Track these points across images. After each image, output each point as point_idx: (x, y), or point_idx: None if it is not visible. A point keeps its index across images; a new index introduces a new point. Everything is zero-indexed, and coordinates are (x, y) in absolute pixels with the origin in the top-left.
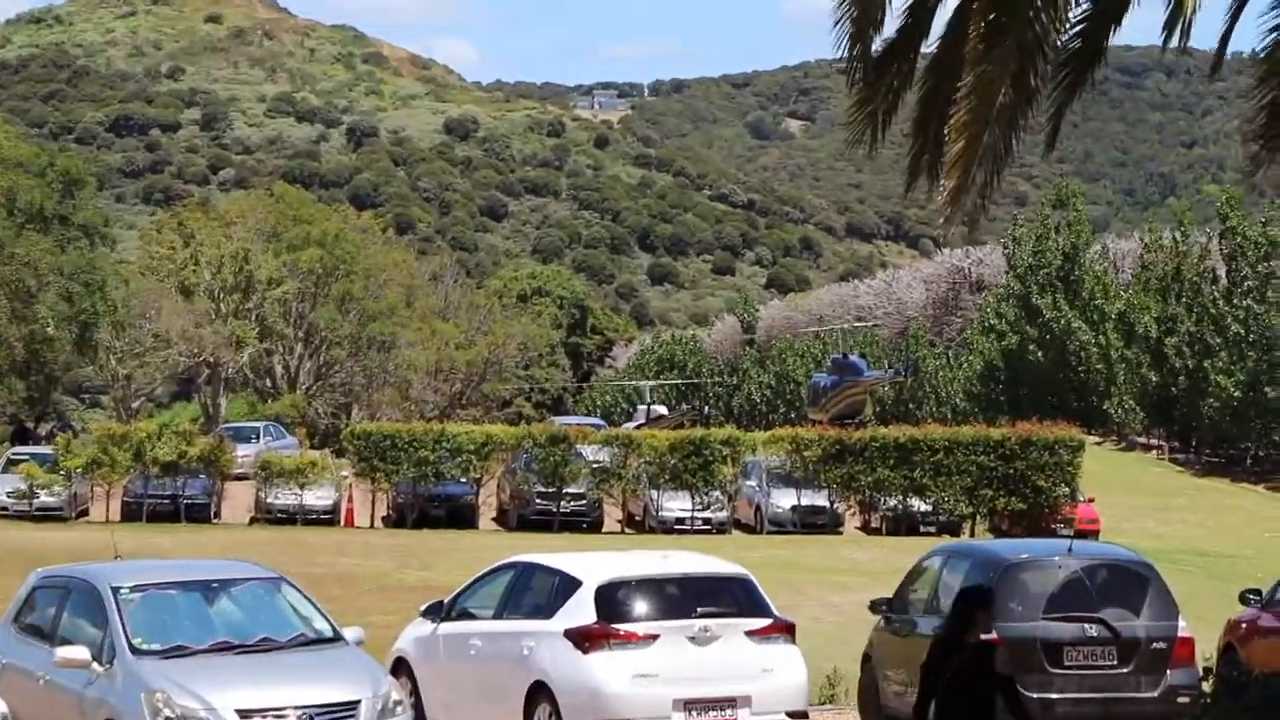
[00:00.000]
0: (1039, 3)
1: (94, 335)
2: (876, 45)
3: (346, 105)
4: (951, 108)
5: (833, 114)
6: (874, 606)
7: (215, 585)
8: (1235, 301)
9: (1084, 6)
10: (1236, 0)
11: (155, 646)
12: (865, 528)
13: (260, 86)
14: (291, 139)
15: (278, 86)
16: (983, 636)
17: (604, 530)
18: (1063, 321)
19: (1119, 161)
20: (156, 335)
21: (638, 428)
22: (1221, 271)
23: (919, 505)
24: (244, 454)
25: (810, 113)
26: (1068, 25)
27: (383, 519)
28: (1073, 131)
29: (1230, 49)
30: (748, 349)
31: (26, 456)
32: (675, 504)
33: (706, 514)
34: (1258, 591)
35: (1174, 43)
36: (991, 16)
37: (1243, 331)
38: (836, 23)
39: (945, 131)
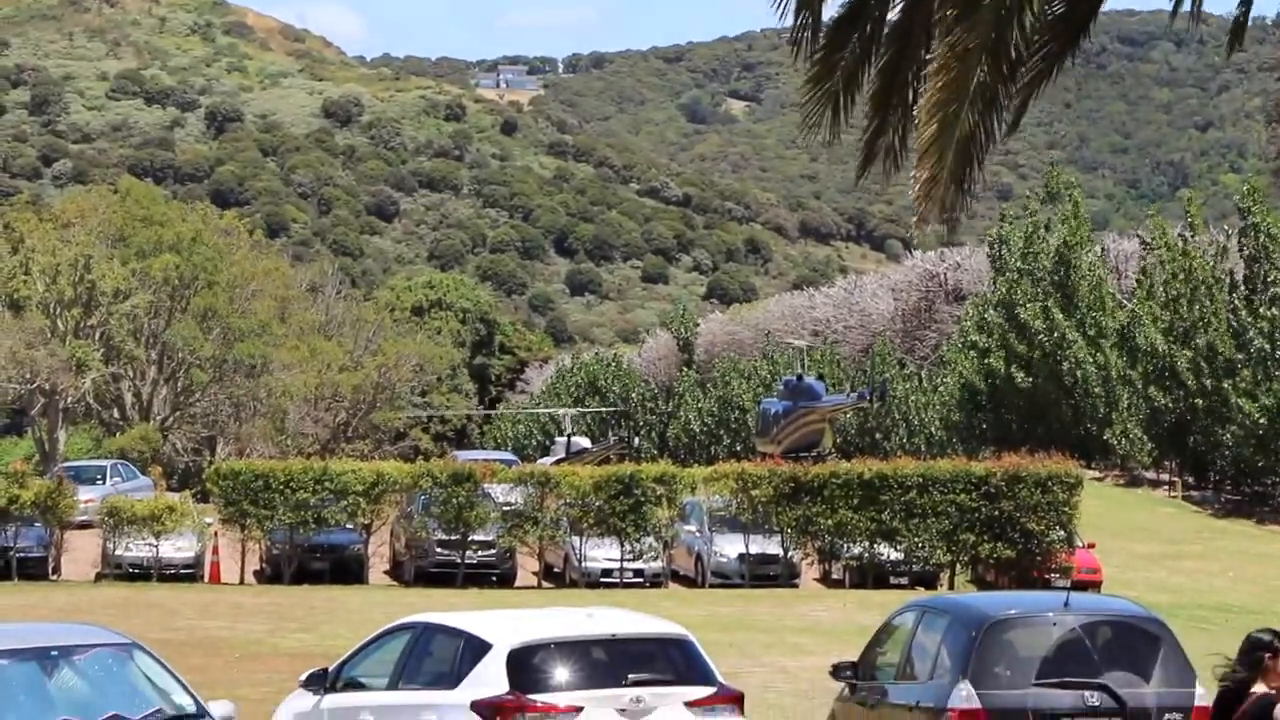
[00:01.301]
0: None
1: None
2: (832, 9)
3: (204, 85)
4: (918, 81)
5: (782, 93)
6: (836, 672)
7: (54, 653)
8: (1259, 311)
9: None
10: None
11: None
12: (825, 579)
13: (101, 63)
14: (139, 125)
15: (122, 63)
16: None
17: (517, 584)
18: (1056, 336)
19: (1120, 148)
20: None
21: (556, 463)
22: (1241, 275)
23: (888, 553)
24: (87, 498)
25: (755, 92)
26: None
27: (254, 573)
28: (1065, 112)
29: (1252, 14)
30: (685, 370)
31: None
32: (601, 553)
33: (638, 564)
34: None
35: (1186, 5)
36: None
37: (1268, 346)
38: None
39: (914, 111)
